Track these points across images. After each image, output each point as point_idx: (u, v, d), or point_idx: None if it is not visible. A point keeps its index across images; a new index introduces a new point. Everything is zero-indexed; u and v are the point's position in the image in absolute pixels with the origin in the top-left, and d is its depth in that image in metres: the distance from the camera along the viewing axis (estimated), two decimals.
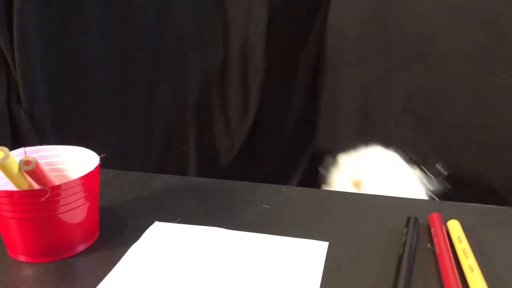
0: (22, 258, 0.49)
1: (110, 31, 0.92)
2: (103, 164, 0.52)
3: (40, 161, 0.48)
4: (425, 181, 0.85)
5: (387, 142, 0.87)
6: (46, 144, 0.56)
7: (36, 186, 0.49)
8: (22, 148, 0.53)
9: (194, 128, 1.00)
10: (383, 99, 0.83)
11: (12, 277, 0.47)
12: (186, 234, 0.53)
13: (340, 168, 0.89)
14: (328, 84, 0.98)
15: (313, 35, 0.94)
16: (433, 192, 0.83)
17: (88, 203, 0.50)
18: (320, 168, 0.92)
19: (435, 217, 0.54)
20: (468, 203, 0.60)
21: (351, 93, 0.95)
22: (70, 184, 0.47)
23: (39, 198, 0.45)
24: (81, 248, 0.51)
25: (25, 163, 0.46)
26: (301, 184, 1.01)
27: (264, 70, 0.95)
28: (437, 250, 0.49)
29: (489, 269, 0.45)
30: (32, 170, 0.47)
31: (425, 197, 0.83)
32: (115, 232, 0.54)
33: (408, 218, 0.54)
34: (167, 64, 0.96)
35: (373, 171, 0.85)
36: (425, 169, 0.85)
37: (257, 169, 1.02)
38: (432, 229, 0.52)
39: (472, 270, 0.45)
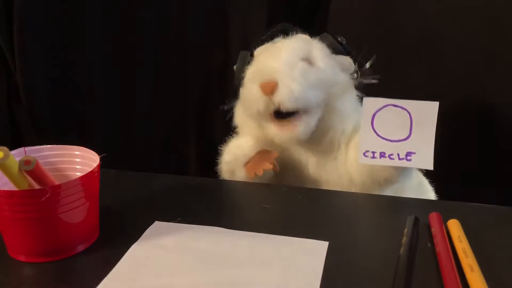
0: (22, 258, 0.49)
1: (110, 31, 0.92)
2: (103, 164, 0.52)
3: (40, 161, 0.48)
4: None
5: None
6: (46, 144, 0.56)
7: (36, 186, 0.49)
8: (22, 148, 0.53)
9: (194, 128, 1.00)
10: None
11: (12, 277, 0.47)
12: (186, 234, 0.53)
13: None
14: None
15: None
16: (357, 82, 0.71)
17: (88, 203, 0.50)
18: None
19: (435, 217, 0.54)
20: (468, 203, 0.60)
21: None
22: (70, 184, 0.47)
23: (39, 198, 0.45)
24: (81, 248, 0.51)
25: (25, 163, 0.46)
26: None
27: None
28: (437, 250, 0.49)
29: (489, 269, 0.45)
30: (32, 170, 0.47)
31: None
32: (115, 232, 0.54)
33: (408, 218, 0.54)
34: (167, 63, 0.96)
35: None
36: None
37: None
38: (432, 229, 0.52)
39: (472, 269, 0.45)
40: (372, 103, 0.61)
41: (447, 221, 0.54)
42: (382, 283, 0.45)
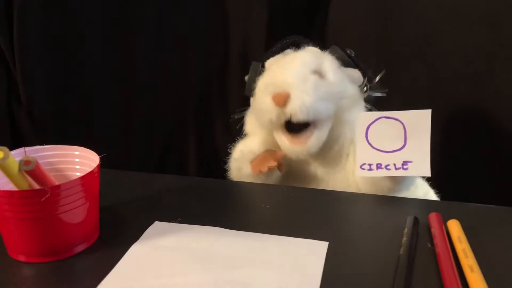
0: (22, 258, 0.49)
1: (110, 31, 0.92)
2: (103, 164, 0.52)
3: (40, 161, 0.48)
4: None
5: None
6: (46, 144, 0.56)
7: (36, 186, 0.49)
8: (22, 148, 0.53)
9: (194, 128, 1.00)
10: (382, 99, 0.83)
11: (12, 277, 0.47)
12: (186, 234, 0.53)
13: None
14: None
15: (313, 36, 0.94)
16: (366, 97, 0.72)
17: (88, 203, 0.50)
18: None
19: (435, 217, 0.54)
20: (468, 203, 0.60)
21: None
22: (70, 184, 0.47)
23: (39, 198, 0.45)
24: (81, 248, 0.51)
25: (25, 163, 0.46)
26: None
27: None
28: (437, 250, 0.49)
29: (489, 269, 0.45)
30: (32, 170, 0.47)
31: None
32: (115, 232, 0.54)
33: (408, 218, 0.54)
34: (167, 64, 0.96)
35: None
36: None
37: None
38: (432, 229, 0.52)
39: (472, 270, 0.45)
40: (366, 117, 0.63)
41: (447, 221, 0.54)
42: (382, 283, 0.45)
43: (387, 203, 0.62)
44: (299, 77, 0.66)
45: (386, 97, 0.73)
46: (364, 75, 0.72)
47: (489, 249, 0.50)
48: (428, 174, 0.61)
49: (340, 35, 0.92)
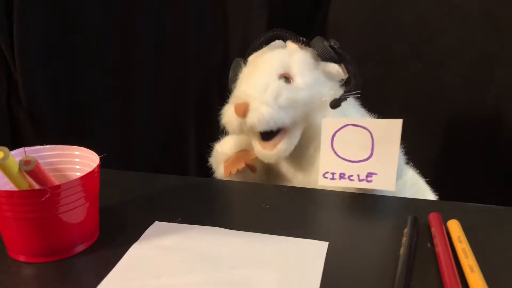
0: (22, 258, 0.49)
1: (110, 31, 0.92)
2: (103, 164, 0.52)
3: (40, 161, 0.48)
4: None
5: None
6: (46, 144, 0.56)
7: (36, 186, 0.49)
8: (22, 148, 0.53)
9: (194, 128, 1.00)
10: (381, 99, 0.83)
11: (12, 277, 0.47)
12: (186, 234, 0.53)
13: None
14: None
15: (313, 36, 0.94)
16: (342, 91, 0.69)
17: (88, 203, 0.50)
18: None
19: (435, 217, 0.54)
20: (468, 203, 0.60)
21: None
22: (70, 184, 0.47)
23: (39, 198, 0.45)
24: (81, 248, 0.51)
25: (25, 163, 0.46)
26: None
27: None
28: (437, 250, 0.49)
29: (489, 269, 0.45)
30: (32, 170, 0.47)
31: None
32: (115, 232, 0.54)
33: (408, 218, 0.54)
34: (167, 63, 0.96)
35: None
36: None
37: None
38: (432, 229, 0.52)
39: (472, 270, 0.45)
40: (331, 123, 0.60)
41: (447, 221, 0.54)
42: (382, 283, 0.45)
43: (387, 203, 0.62)
44: (259, 87, 0.66)
45: (385, 97, 0.73)
46: (347, 68, 0.70)
47: (489, 249, 0.50)
48: (393, 189, 0.58)
49: (340, 35, 0.92)
